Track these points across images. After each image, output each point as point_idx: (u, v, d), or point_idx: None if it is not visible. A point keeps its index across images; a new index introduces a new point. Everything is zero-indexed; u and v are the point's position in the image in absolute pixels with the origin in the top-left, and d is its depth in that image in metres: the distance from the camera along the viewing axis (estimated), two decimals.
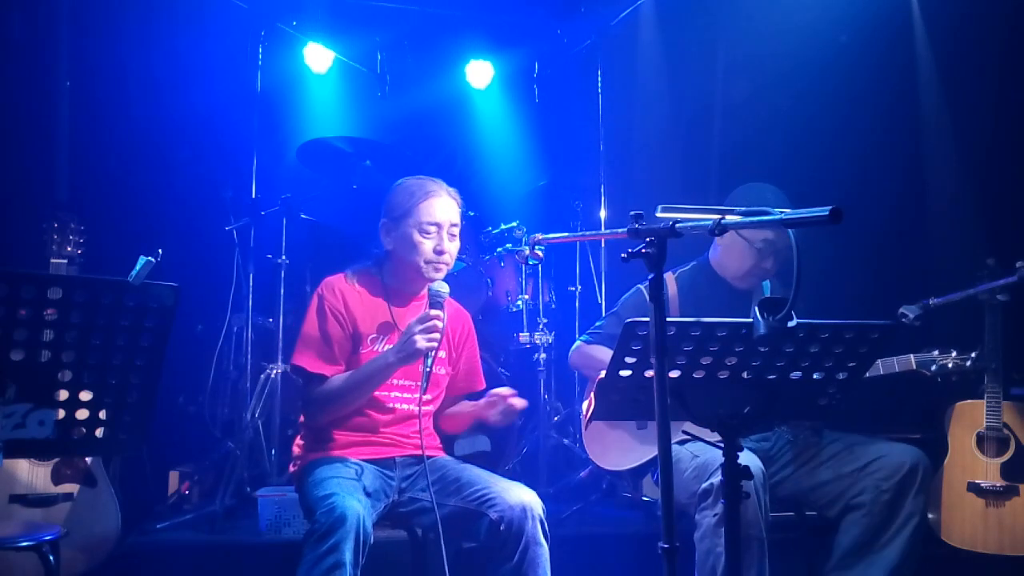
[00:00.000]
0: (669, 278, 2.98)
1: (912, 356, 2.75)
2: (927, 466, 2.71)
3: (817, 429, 2.93)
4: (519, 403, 2.51)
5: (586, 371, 3.04)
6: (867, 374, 2.67)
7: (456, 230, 2.60)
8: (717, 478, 2.47)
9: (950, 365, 2.72)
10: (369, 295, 2.60)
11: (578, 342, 3.05)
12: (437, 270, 2.56)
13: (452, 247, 2.59)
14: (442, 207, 2.56)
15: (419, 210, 2.54)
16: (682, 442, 2.61)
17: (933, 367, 2.73)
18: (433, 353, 2.40)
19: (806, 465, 2.83)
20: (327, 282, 2.59)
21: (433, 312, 2.38)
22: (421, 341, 2.35)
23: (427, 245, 2.54)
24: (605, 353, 2.82)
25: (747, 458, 2.47)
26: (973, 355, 2.72)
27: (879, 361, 2.75)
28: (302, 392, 2.58)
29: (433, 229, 2.54)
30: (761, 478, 2.50)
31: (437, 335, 2.37)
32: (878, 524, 2.66)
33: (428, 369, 2.41)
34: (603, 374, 1.88)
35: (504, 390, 2.53)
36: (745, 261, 2.88)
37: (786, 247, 2.81)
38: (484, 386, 2.78)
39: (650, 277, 1.70)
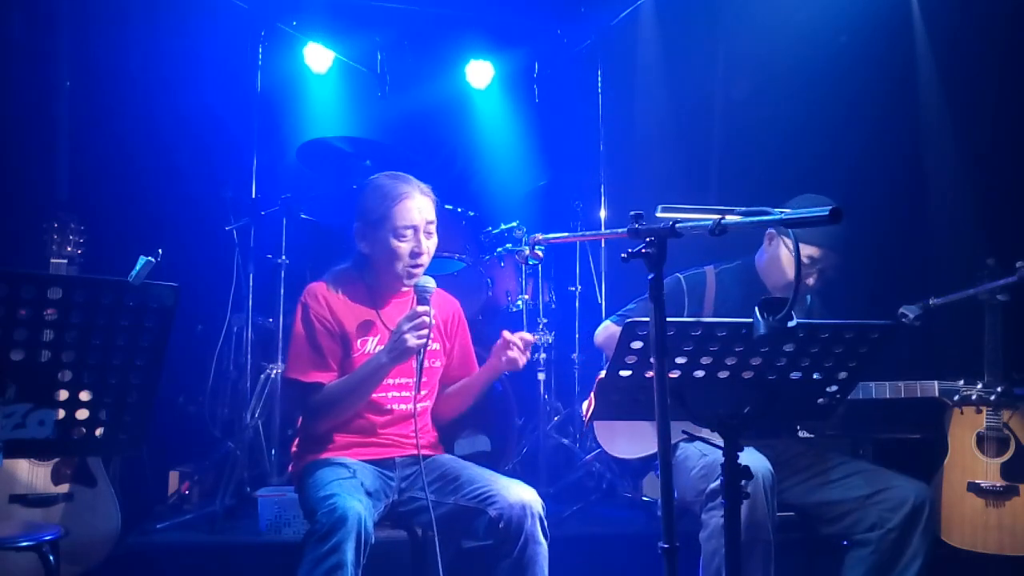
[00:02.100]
0: (709, 273, 2.97)
1: (936, 383, 2.77)
2: (932, 502, 2.73)
3: (824, 437, 2.93)
4: (530, 336, 2.50)
5: (608, 351, 3.03)
6: (888, 395, 2.70)
7: (432, 227, 2.57)
8: (723, 477, 2.47)
9: (973, 397, 2.73)
10: (352, 297, 2.58)
11: (606, 321, 3.04)
12: (412, 275, 2.54)
13: (430, 244, 2.57)
14: (416, 208, 2.53)
15: (393, 214, 2.50)
16: (691, 439, 2.61)
17: (956, 397, 2.75)
18: (424, 349, 2.39)
19: (813, 479, 2.83)
20: (309, 290, 2.57)
21: (420, 308, 2.37)
22: (411, 339, 2.34)
23: (404, 249, 2.52)
24: None
25: (755, 460, 2.48)
26: (999, 389, 2.72)
27: (901, 384, 2.76)
28: (300, 403, 2.57)
29: (409, 232, 2.52)
30: (770, 480, 2.49)
31: (426, 331, 2.37)
32: (885, 563, 2.67)
33: (421, 366, 2.41)
34: (603, 374, 1.88)
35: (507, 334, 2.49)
36: (787, 273, 2.87)
37: (831, 267, 2.83)
38: (478, 371, 2.77)
39: (650, 277, 1.70)
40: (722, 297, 2.91)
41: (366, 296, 2.60)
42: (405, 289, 2.63)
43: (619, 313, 3.03)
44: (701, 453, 2.65)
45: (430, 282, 2.45)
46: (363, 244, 2.58)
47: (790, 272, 2.86)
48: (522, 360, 2.49)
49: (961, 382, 2.76)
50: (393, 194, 2.53)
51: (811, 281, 2.85)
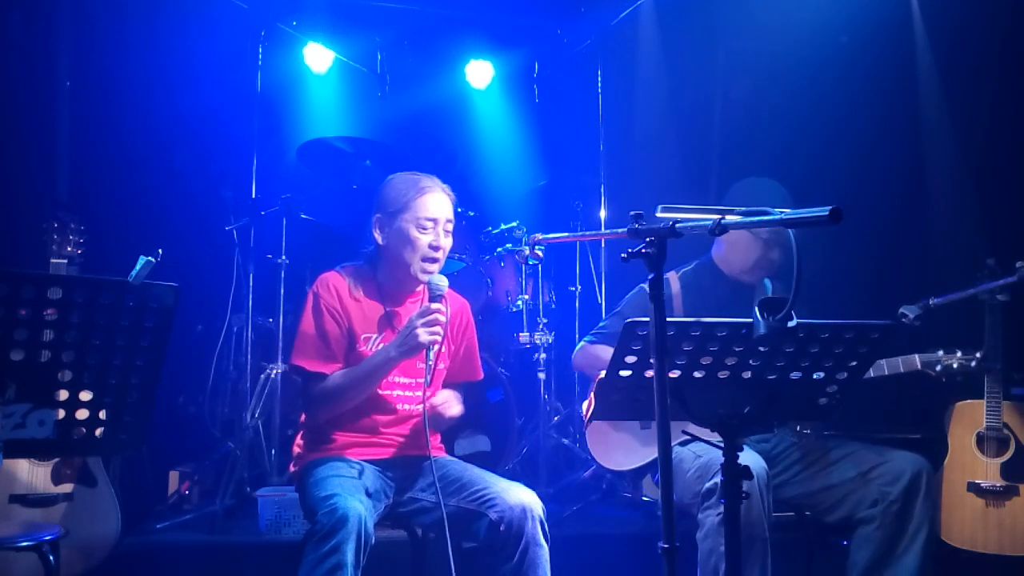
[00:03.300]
0: (672, 277, 2.98)
1: (917, 356, 2.76)
2: (930, 471, 2.71)
3: (820, 433, 2.93)
4: (445, 409, 2.52)
5: (590, 371, 3.03)
6: (872, 374, 2.70)
7: (450, 226, 2.59)
8: (720, 477, 2.47)
9: (955, 365, 2.72)
10: (364, 292, 2.58)
11: (582, 343, 3.04)
12: (428, 270, 2.54)
13: (447, 243, 2.58)
14: (438, 202, 2.55)
15: (416, 205, 2.53)
16: (684, 442, 2.62)
17: (938, 367, 2.74)
18: (435, 347, 2.39)
19: (807, 469, 2.82)
20: (322, 279, 2.58)
21: (434, 305, 2.38)
22: (423, 334, 2.34)
23: (423, 240, 2.52)
24: (609, 352, 2.82)
25: (750, 458, 2.48)
26: (978, 355, 2.73)
27: (883, 361, 2.76)
28: (302, 391, 2.57)
29: (430, 224, 2.53)
30: (764, 478, 2.49)
31: (439, 328, 2.37)
32: (891, 536, 2.66)
33: (431, 363, 2.41)
34: (603, 374, 1.88)
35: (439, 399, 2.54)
36: (751, 253, 2.88)
37: (789, 239, 2.82)
38: (482, 376, 2.78)
39: (650, 277, 1.70)
40: (691, 298, 2.91)
41: (377, 293, 2.60)
42: (418, 289, 2.63)
43: (593, 332, 3.04)
44: (695, 455, 2.65)
45: (443, 281, 2.46)
46: (380, 235, 2.58)
47: (753, 251, 2.87)
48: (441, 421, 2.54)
49: (940, 352, 2.75)
50: (417, 186, 2.56)
51: (775, 255, 2.87)
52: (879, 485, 2.69)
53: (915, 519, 2.66)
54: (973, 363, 2.72)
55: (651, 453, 2.79)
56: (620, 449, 2.86)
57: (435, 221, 2.54)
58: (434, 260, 2.55)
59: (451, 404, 2.54)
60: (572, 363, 3.12)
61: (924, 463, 2.72)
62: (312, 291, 2.56)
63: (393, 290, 2.62)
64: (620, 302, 3.06)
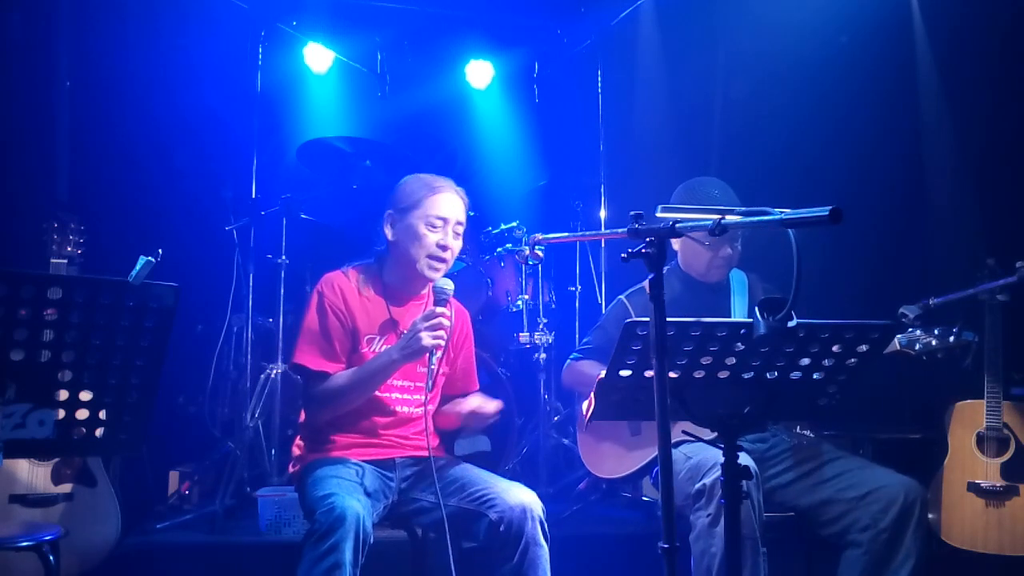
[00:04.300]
0: (646, 286, 2.98)
1: (896, 337, 2.74)
2: (924, 498, 2.65)
3: (820, 434, 2.92)
4: (485, 409, 2.56)
5: (579, 388, 3.04)
6: None
7: (461, 229, 2.59)
8: (710, 478, 2.48)
9: (934, 343, 2.69)
10: (369, 293, 2.58)
11: (568, 361, 3.06)
12: (435, 268, 2.54)
13: (455, 245, 2.58)
14: (450, 203, 2.56)
15: (427, 203, 2.53)
16: (676, 444, 2.61)
17: (917, 346, 2.70)
18: (438, 351, 2.39)
19: (805, 479, 2.79)
20: (327, 278, 2.58)
21: (439, 309, 2.37)
22: (427, 338, 2.34)
23: (431, 238, 2.52)
24: (596, 368, 2.84)
25: (741, 458, 2.47)
26: (955, 329, 2.70)
27: None
28: (303, 390, 2.57)
29: (439, 223, 2.53)
30: (755, 479, 2.49)
31: (443, 332, 2.36)
32: (878, 563, 2.62)
33: (433, 367, 2.40)
34: (603, 374, 1.88)
35: (475, 404, 2.57)
36: (702, 256, 2.92)
37: (736, 236, 2.87)
38: (478, 387, 2.78)
39: (650, 277, 1.71)
40: (668, 300, 2.91)
41: (382, 293, 2.60)
42: (423, 292, 2.63)
43: (578, 349, 3.06)
44: (686, 456, 2.65)
45: (448, 284, 2.45)
46: (390, 231, 2.58)
47: (703, 254, 2.91)
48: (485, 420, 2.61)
49: (918, 332, 2.71)
50: (431, 185, 2.57)
51: (729, 251, 2.90)
52: (874, 511, 2.64)
53: (904, 549, 2.60)
54: (951, 338, 2.68)
55: (641, 459, 2.79)
56: (612, 457, 2.87)
57: (445, 220, 2.54)
58: (441, 260, 2.54)
59: (487, 403, 2.57)
60: (562, 381, 3.13)
61: (920, 490, 2.65)
62: (316, 290, 2.56)
63: (398, 291, 2.62)
64: (600, 316, 3.08)
